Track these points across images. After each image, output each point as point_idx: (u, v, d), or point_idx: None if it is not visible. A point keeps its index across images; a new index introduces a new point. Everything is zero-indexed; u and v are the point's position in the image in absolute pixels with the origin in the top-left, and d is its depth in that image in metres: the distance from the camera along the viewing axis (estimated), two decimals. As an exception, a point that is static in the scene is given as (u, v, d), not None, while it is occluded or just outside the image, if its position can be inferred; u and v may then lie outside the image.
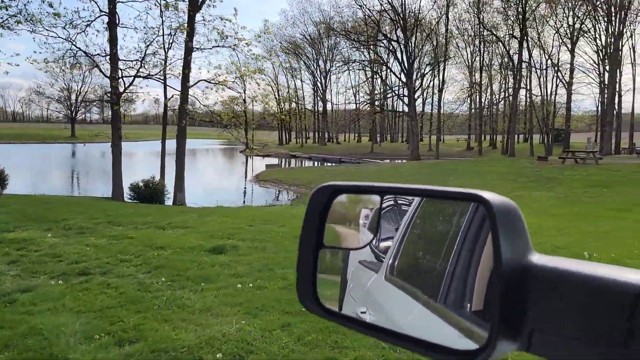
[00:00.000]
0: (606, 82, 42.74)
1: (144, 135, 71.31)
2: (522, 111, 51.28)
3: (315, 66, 64.21)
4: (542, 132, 47.09)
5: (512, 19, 41.38)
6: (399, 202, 0.74)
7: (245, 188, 24.70)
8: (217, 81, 18.00)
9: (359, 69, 57.52)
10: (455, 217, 0.64)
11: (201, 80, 17.96)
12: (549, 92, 49.63)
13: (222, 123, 19.26)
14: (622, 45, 44.77)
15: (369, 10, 41.67)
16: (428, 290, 0.64)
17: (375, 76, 54.85)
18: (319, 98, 65.33)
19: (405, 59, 39.99)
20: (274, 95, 70.35)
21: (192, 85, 17.58)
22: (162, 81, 17.27)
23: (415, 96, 64.45)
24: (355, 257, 0.77)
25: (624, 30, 43.35)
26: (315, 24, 56.78)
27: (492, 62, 55.01)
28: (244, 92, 65.25)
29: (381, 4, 40.38)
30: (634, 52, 48.51)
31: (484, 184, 21.27)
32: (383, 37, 42.37)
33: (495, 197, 0.56)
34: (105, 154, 57.77)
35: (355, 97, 61.75)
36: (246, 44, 17.65)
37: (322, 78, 64.75)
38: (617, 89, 45.96)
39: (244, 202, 18.34)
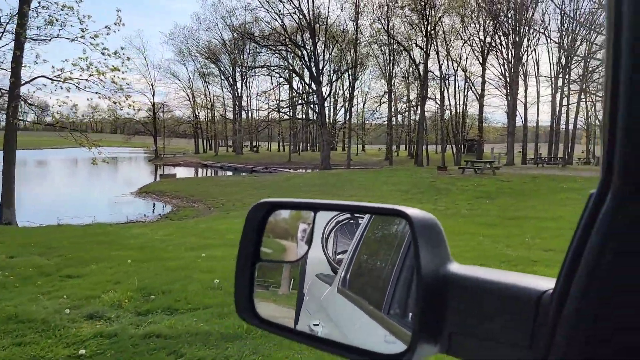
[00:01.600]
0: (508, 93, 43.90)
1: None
2: (438, 122, 51.90)
3: (230, 72, 61.59)
4: (450, 142, 47.77)
5: (416, 29, 41.48)
6: (356, 216, 0.76)
7: (116, 202, 21.94)
8: (61, 79, 15.37)
9: (279, 76, 55.70)
10: (400, 231, 0.67)
11: (39, 77, 15.30)
12: (461, 103, 50.69)
13: (56, 127, 16.54)
14: (527, 58, 46.49)
15: (276, 14, 40.11)
16: (374, 301, 0.67)
17: (291, 82, 53.16)
18: (236, 105, 62.68)
19: (313, 65, 38.70)
20: (190, 101, 67.15)
21: (24, 83, 14.91)
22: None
23: (339, 105, 64.05)
24: (312, 271, 0.78)
25: (528, 44, 44.97)
26: (229, 28, 54.29)
27: (409, 72, 55.49)
28: (153, 97, 60.92)
29: (287, 10, 38.99)
30: (538, 66, 50.75)
31: (373, 195, 20.11)
32: (290, 42, 40.85)
33: (416, 212, 0.61)
34: (25, 162, 51.76)
35: (279, 104, 59.63)
36: (94, 36, 15.24)
37: (238, 84, 62.28)
38: (524, 101, 47.65)
39: (94, 218, 15.75)
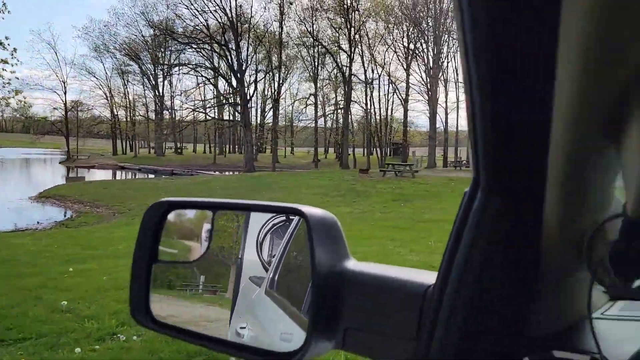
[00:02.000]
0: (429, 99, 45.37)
1: None
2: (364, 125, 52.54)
3: (152, 70, 58.62)
4: (375, 145, 48.62)
5: (340, 32, 41.73)
6: (291, 217, 0.75)
7: (9, 208, 19.75)
8: None
9: (201, 75, 53.69)
10: None
11: None
12: (386, 107, 51.68)
13: None
14: (447, 65, 48.35)
15: (197, 10, 38.62)
16: (296, 301, 0.67)
17: (216, 82, 51.43)
18: (157, 104, 59.76)
19: (236, 65, 37.64)
20: (107, 100, 63.19)
21: None
22: None
23: (267, 107, 62.97)
24: (247, 274, 0.76)
25: (448, 51, 46.75)
26: (149, 24, 51.47)
27: (335, 75, 55.73)
28: (65, 95, 56.65)
29: (209, 7, 37.62)
30: (457, 73, 52.91)
31: (292, 199, 19.65)
32: (211, 40, 39.49)
33: (312, 210, 0.62)
34: None
35: (204, 103, 57.36)
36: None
37: (158, 82, 59.33)
38: (445, 107, 49.54)
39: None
